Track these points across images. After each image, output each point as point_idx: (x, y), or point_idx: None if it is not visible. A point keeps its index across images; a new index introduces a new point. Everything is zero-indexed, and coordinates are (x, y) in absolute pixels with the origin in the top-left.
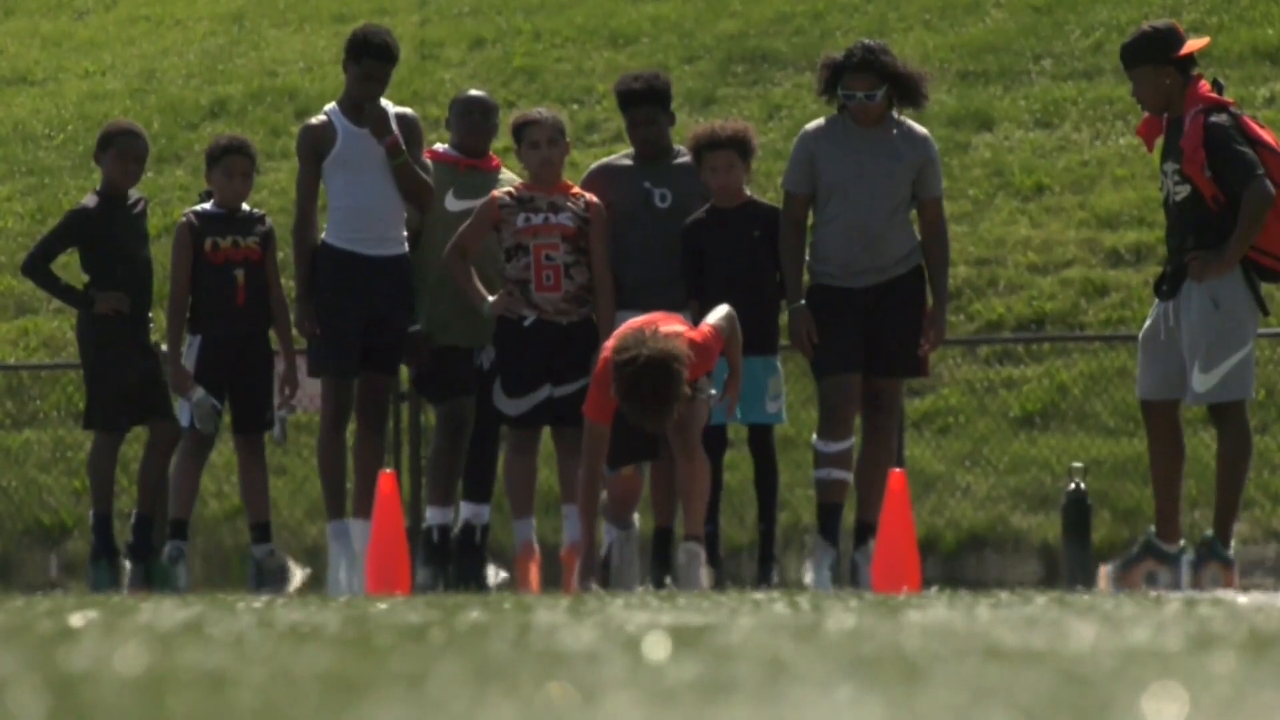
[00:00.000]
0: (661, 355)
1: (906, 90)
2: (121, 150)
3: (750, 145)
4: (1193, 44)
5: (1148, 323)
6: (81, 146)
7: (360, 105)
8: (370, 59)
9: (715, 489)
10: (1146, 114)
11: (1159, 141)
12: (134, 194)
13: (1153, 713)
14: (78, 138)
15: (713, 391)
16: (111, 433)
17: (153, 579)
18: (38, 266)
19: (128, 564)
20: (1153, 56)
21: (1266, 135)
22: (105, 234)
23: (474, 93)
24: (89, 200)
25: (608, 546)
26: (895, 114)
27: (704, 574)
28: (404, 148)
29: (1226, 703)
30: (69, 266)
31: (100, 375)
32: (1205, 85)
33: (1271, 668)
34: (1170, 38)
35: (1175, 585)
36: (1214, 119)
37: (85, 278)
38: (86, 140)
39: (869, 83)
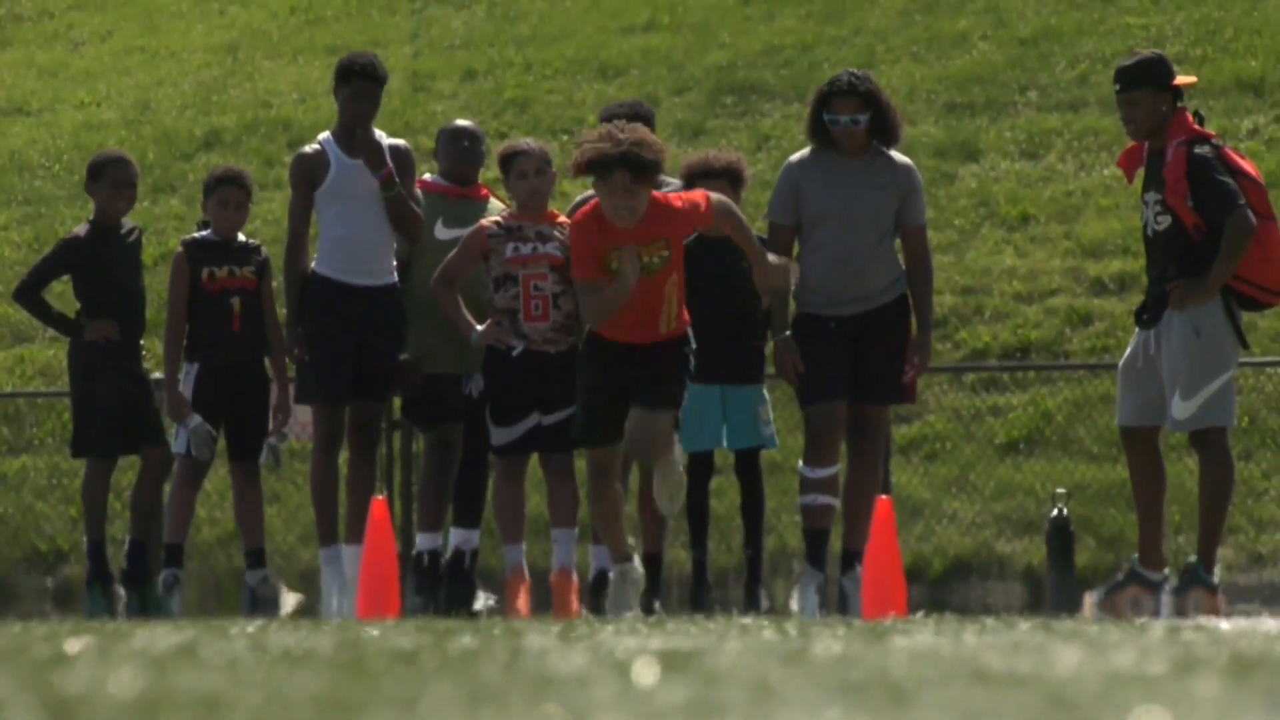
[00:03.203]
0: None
1: (886, 123)
2: (113, 179)
3: (742, 176)
4: (1183, 79)
5: (1128, 351)
6: (77, 176)
7: (353, 132)
8: (357, 79)
9: (703, 515)
10: (1127, 147)
11: (1140, 172)
12: (127, 223)
13: None
14: (73, 167)
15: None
16: (102, 459)
17: (147, 605)
18: (29, 294)
19: (122, 590)
20: (1154, 81)
21: (1248, 166)
22: (96, 262)
23: (461, 123)
24: (81, 229)
25: (598, 571)
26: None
27: (632, 599)
28: (397, 180)
29: None
30: (64, 295)
31: (88, 402)
32: (1189, 117)
33: (1255, 692)
34: (1169, 65)
35: (1159, 612)
36: (1197, 150)
37: (78, 305)
38: (82, 170)
39: (854, 106)
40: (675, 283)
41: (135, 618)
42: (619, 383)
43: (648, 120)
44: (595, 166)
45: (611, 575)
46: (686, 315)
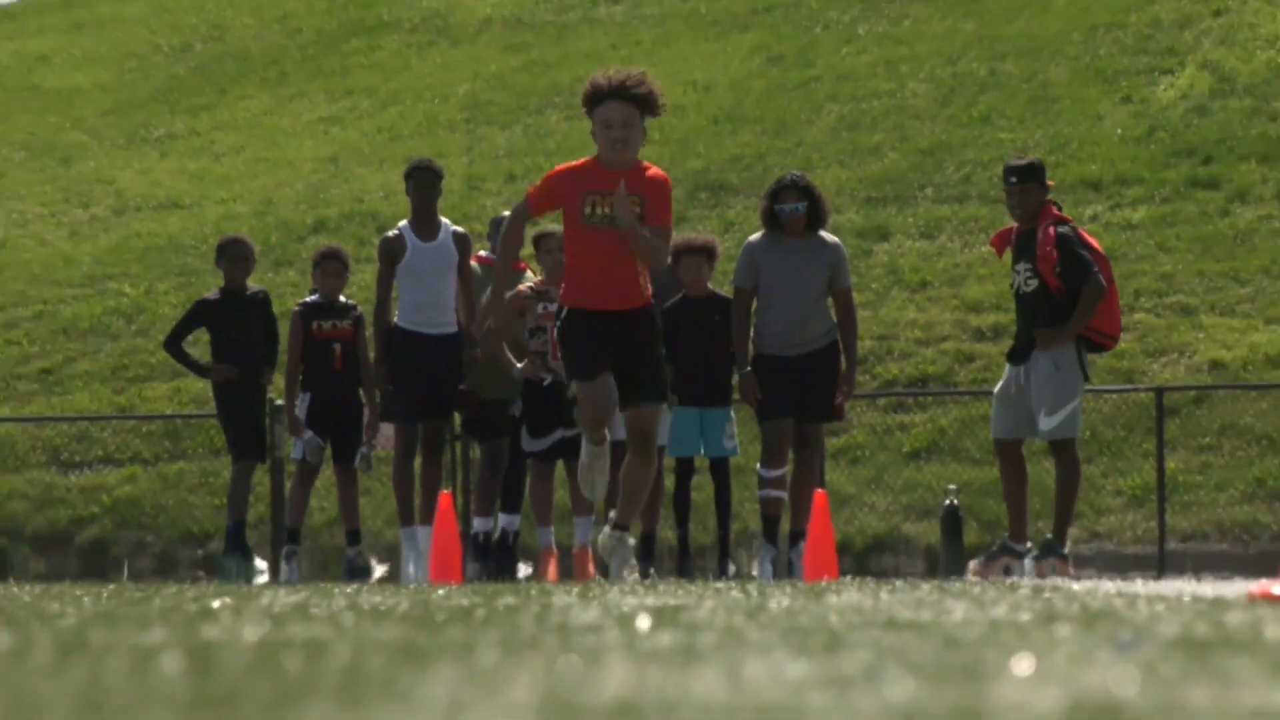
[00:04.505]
0: None
1: (819, 211)
2: (231, 255)
3: (715, 252)
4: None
5: (1001, 381)
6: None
7: (422, 215)
8: (419, 173)
9: (685, 504)
10: (999, 230)
11: (1008, 250)
12: (253, 288)
13: (1014, 667)
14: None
15: (732, 446)
16: (237, 462)
17: (233, 573)
18: (171, 343)
19: (259, 561)
20: (1037, 178)
21: (1094, 243)
22: (222, 319)
23: (505, 214)
24: (212, 294)
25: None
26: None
27: (624, 560)
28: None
29: (1066, 660)
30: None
31: (224, 424)
32: (1052, 206)
33: (1099, 636)
34: (1044, 167)
35: (1024, 575)
36: (1062, 230)
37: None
38: None
39: (796, 198)
40: None
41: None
42: (603, 347)
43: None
44: (591, 98)
45: (612, 541)
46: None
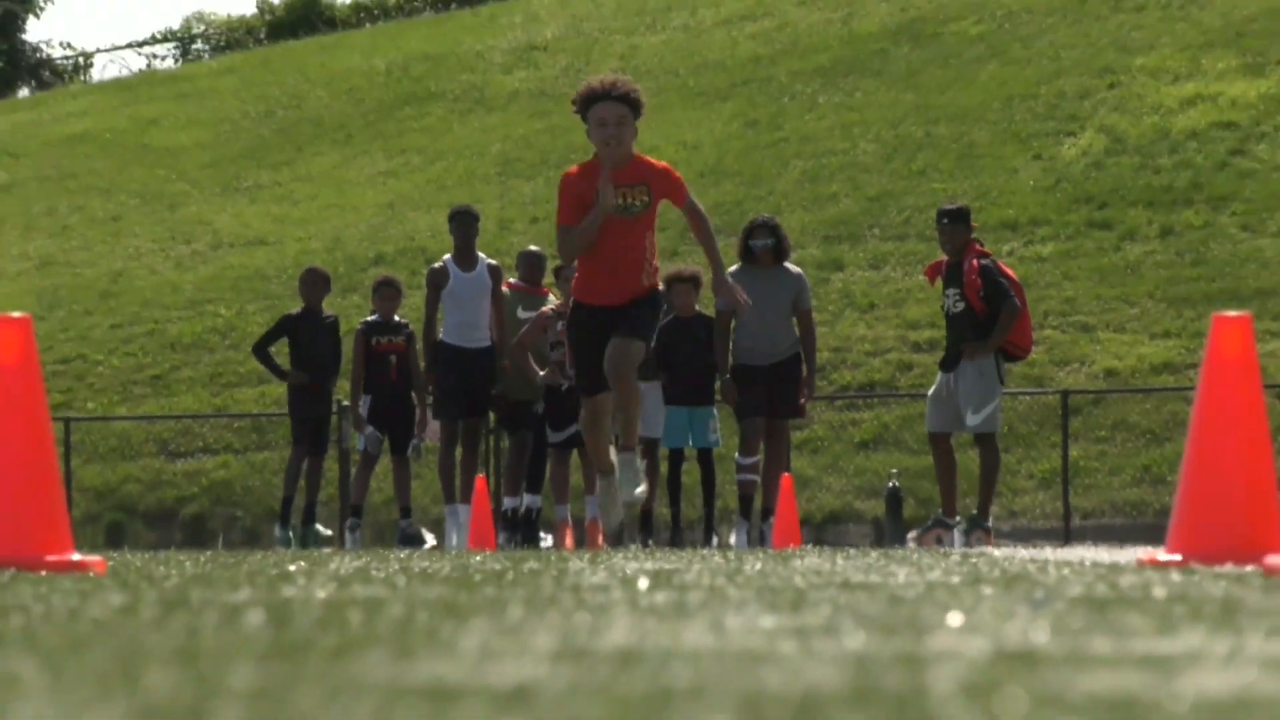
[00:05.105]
0: None
1: (784, 247)
2: (308, 282)
3: (700, 281)
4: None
5: (934, 386)
6: (295, 283)
7: (462, 251)
8: (460, 216)
9: (677, 487)
10: (932, 262)
11: (939, 278)
12: (326, 311)
13: (947, 620)
14: (293, 277)
15: (715, 439)
16: (294, 449)
17: (307, 541)
18: (259, 348)
19: (322, 529)
20: (964, 219)
21: (1010, 273)
22: (298, 334)
23: (531, 249)
24: (293, 311)
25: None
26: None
27: (633, 478)
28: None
29: (990, 615)
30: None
31: (291, 418)
32: (975, 243)
33: (1018, 595)
34: (969, 211)
35: (954, 545)
36: (984, 262)
37: (290, 359)
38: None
39: (766, 235)
40: (653, 240)
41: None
42: (604, 341)
43: None
44: (586, 100)
45: (621, 460)
46: (657, 263)
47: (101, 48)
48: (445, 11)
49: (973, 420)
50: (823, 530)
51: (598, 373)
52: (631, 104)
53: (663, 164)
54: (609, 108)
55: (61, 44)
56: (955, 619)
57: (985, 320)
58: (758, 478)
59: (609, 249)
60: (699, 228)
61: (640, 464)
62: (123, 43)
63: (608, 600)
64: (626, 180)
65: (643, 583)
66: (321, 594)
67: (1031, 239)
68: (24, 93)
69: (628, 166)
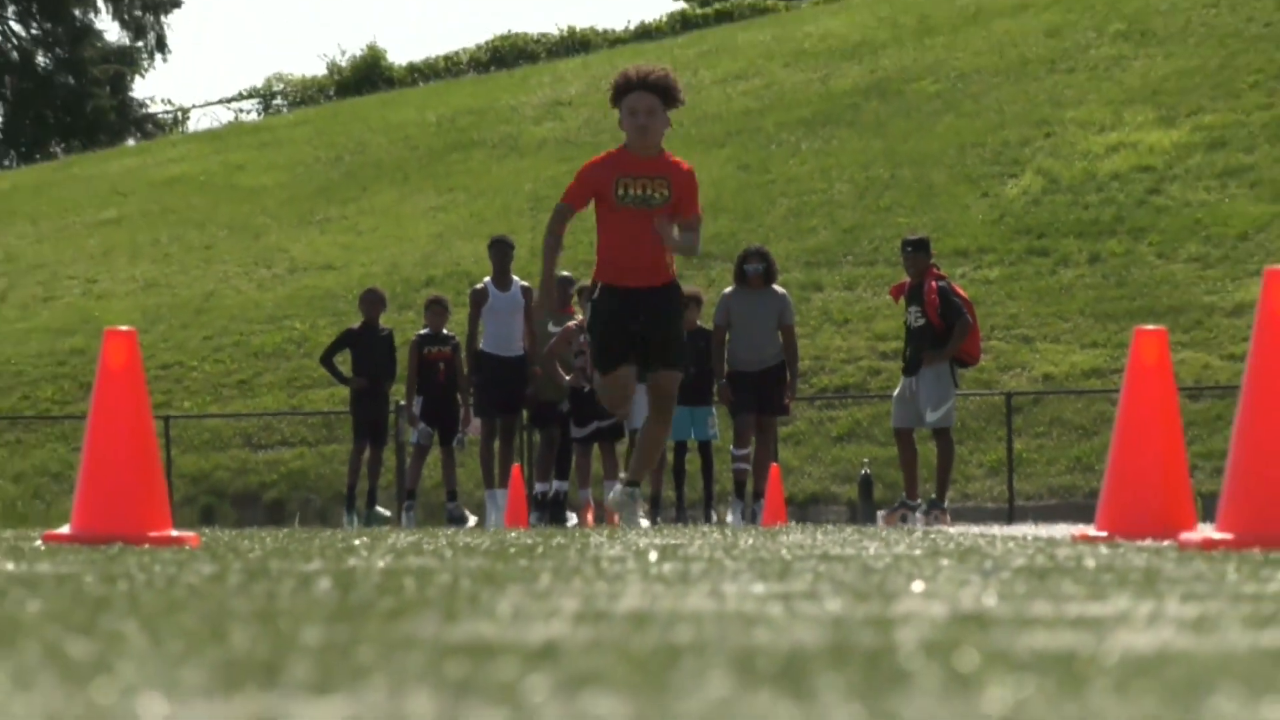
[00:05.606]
0: None
1: (772, 271)
2: (367, 300)
3: (701, 300)
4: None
5: (898, 388)
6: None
7: (500, 274)
8: (498, 245)
9: (680, 474)
10: (896, 284)
11: (902, 298)
12: (383, 326)
13: (911, 587)
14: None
15: (713, 433)
16: (355, 443)
17: (370, 521)
18: (325, 358)
19: (384, 510)
20: (925, 249)
21: (963, 293)
22: (358, 345)
23: (561, 273)
24: (354, 325)
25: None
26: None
27: (633, 514)
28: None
29: (947, 583)
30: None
31: (352, 416)
32: (934, 268)
33: (971, 566)
34: (930, 242)
35: (916, 524)
36: (941, 284)
37: (351, 366)
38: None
39: (757, 260)
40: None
41: (362, 528)
42: (628, 323)
43: None
44: (619, 90)
45: (623, 497)
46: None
47: (196, 103)
48: (486, 73)
49: (931, 417)
50: (805, 510)
51: (616, 349)
52: (663, 93)
53: (688, 165)
54: (641, 98)
55: (163, 100)
56: (918, 586)
57: (941, 333)
58: (749, 466)
59: (629, 234)
60: (686, 224)
61: (642, 507)
62: (214, 99)
63: (623, 570)
64: (650, 171)
65: (652, 555)
66: (380, 564)
67: (980, 264)
68: (131, 141)
69: (654, 158)
